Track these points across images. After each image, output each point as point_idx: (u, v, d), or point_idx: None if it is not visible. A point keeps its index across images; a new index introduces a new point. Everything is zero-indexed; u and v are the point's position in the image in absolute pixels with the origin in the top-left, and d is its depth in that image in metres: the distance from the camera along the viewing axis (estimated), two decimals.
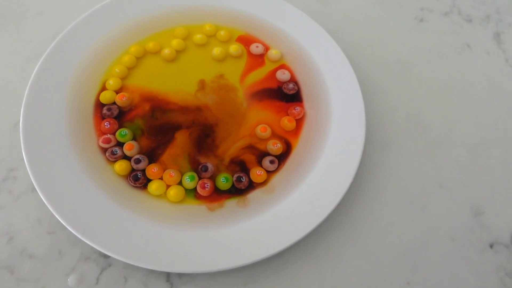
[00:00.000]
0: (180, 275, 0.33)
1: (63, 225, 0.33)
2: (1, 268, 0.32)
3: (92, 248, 0.33)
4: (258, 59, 0.43)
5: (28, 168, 0.33)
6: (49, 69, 0.38)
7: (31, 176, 0.33)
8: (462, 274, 0.35)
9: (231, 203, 0.35)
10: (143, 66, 0.41)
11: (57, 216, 0.32)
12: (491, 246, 0.37)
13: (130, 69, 0.40)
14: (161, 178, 0.35)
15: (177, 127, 0.38)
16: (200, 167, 0.36)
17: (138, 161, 0.35)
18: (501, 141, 0.42)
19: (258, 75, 0.42)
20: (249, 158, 0.37)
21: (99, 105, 0.38)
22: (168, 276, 0.33)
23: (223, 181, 0.35)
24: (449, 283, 0.35)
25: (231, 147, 0.37)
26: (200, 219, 0.34)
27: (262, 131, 0.38)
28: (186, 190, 0.35)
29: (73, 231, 0.32)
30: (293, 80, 0.42)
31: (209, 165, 0.36)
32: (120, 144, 0.36)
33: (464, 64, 0.47)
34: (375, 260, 0.35)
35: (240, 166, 0.36)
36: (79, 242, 0.33)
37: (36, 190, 0.34)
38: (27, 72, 0.39)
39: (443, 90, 0.45)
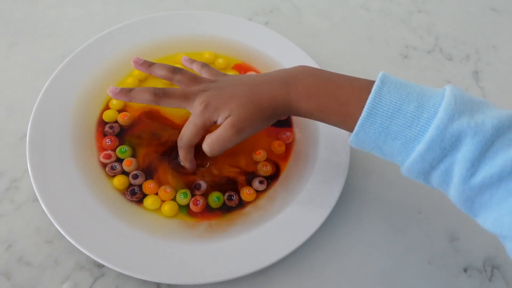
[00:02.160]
0: (169, 286, 0.35)
1: (60, 234, 0.35)
2: None
3: (87, 257, 0.35)
4: None
5: (31, 179, 0.35)
6: (57, 87, 0.41)
7: (34, 186, 0.35)
8: None
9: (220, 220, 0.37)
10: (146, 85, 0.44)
11: (56, 225, 0.34)
12: (465, 270, 0.39)
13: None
14: (156, 194, 0.37)
15: (173, 145, 0.40)
16: (194, 184, 0.38)
17: (135, 176, 0.37)
18: None
19: None
20: (239, 178, 0.39)
21: (102, 123, 0.41)
22: (158, 287, 0.35)
23: (215, 200, 0.37)
24: None
25: (223, 167, 0.40)
26: (191, 234, 0.36)
27: (257, 154, 0.40)
28: (179, 206, 0.37)
29: (70, 240, 0.33)
30: None
31: (202, 183, 0.38)
32: (119, 160, 0.39)
33: None
34: (356, 279, 0.37)
35: (230, 185, 0.39)
36: (75, 251, 0.35)
37: (37, 201, 0.36)
38: (36, 89, 0.42)
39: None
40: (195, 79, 0.36)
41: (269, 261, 0.35)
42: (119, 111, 0.42)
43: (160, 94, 0.35)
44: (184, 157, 0.37)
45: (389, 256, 0.39)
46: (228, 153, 0.41)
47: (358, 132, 0.29)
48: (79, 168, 0.37)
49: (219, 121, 0.33)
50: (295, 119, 0.44)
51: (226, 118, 0.33)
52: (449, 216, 0.42)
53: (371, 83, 0.30)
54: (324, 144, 0.42)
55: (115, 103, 0.42)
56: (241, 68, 0.47)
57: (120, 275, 0.35)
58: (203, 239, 0.35)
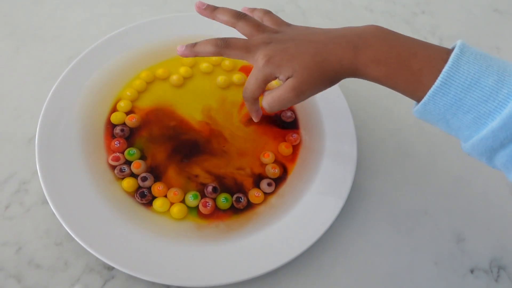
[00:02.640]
0: None
1: (70, 236, 0.35)
2: (9, 276, 0.34)
3: (96, 260, 0.35)
4: None
5: (41, 181, 0.36)
6: (65, 89, 0.41)
7: (43, 188, 0.35)
8: None
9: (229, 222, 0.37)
10: (152, 90, 0.44)
11: (66, 228, 0.34)
12: (471, 271, 0.40)
13: (140, 92, 0.44)
14: (165, 196, 0.37)
15: (182, 147, 0.40)
16: (210, 187, 0.38)
17: (144, 179, 0.38)
18: (483, 173, 0.46)
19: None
20: (247, 180, 0.39)
21: (110, 125, 0.41)
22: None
23: (223, 201, 0.38)
24: None
25: (231, 169, 0.40)
26: (200, 236, 0.36)
27: (266, 156, 0.41)
28: (189, 207, 0.37)
29: (80, 242, 0.34)
30: (290, 109, 0.45)
31: (217, 186, 0.38)
32: (128, 163, 0.39)
33: None
34: (363, 280, 0.38)
35: (238, 187, 0.39)
36: (85, 253, 0.35)
37: (46, 203, 0.36)
38: (43, 91, 0.42)
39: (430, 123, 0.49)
40: (258, 27, 0.34)
41: (278, 263, 0.35)
42: (127, 113, 0.42)
43: (221, 45, 0.34)
44: (250, 108, 0.37)
45: (396, 257, 0.39)
46: (237, 156, 0.41)
47: (428, 102, 0.28)
48: (88, 171, 0.37)
49: (280, 78, 0.32)
50: (302, 121, 0.44)
51: (288, 77, 0.32)
52: (456, 217, 0.42)
53: (448, 51, 0.28)
54: (330, 145, 0.42)
55: (122, 105, 0.42)
56: (248, 69, 0.47)
57: (129, 277, 0.35)
58: (212, 242, 0.36)
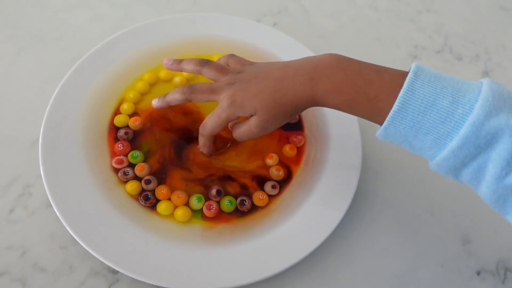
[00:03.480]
0: None
1: (74, 240, 0.35)
2: (14, 280, 0.34)
3: (101, 263, 0.35)
4: None
5: (45, 185, 0.36)
6: (68, 92, 0.41)
7: (47, 192, 0.35)
8: None
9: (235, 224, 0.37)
10: (155, 92, 0.44)
11: (70, 232, 0.34)
12: (478, 273, 0.39)
13: (143, 94, 0.43)
14: (169, 199, 0.37)
15: (186, 149, 0.40)
16: (214, 190, 0.38)
17: (148, 182, 0.37)
18: None
19: None
20: (251, 182, 0.39)
21: (113, 128, 0.41)
22: None
23: (228, 204, 0.37)
24: None
25: (235, 171, 0.40)
26: (204, 239, 0.36)
27: (270, 158, 0.40)
28: (193, 210, 0.37)
29: (85, 246, 0.33)
30: None
31: (221, 189, 0.38)
32: (131, 165, 0.38)
33: None
34: (369, 283, 0.37)
35: (243, 190, 0.39)
36: (89, 257, 0.35)
37: (50, 206, 0.36)
38: (46, 94, 0.42)
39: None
40: (222, 70, 0.36)
41: (282, 267, 0.35)
42: (130, 115, 0.42)
43: (187, 92, 0.36)
44: (203, 144, 0.38)
45: (402, 259, 0.39)
46: (240, 158, 0.41)
47: (388, 127, 0.29)
48: (92, 174, 0.37)
49: (243, 116, 0.34)
50: (306, 122, 0.44)
51: (251, 115, 0.34)
52: (462, 218, 0.42)
53: (403, 75, 0.29)
54: (335, 147, 0.42)
55: (126, 107, 0.42)
56: None
57: (134, 281, 0.35)
58: (217, 245, 0.35)
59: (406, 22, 0.58)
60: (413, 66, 0.29)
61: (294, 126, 0.43)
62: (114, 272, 0.35)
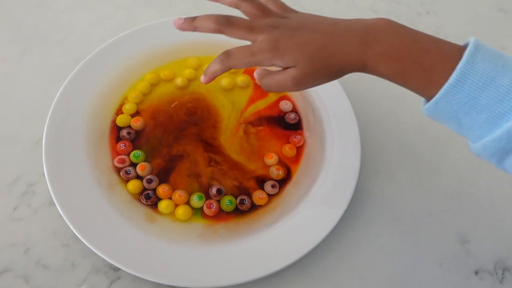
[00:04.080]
0: None
1: (77, 238, 0.35)
2: (17, 277, 0.35)
3: (103, 261, 0.36)
4: (262, 90, 0.46)
5: (48, 183, 0.36)
6: (71, 92, 0.42)
7: (50, 190, 0.36)
8: None
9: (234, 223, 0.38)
10: (157, 92, 0.44)
11: (72, 229, 0.35)
12: (476, 273, 0.39)
13: (145, 95, 0.44)
14: (170, 198, 0.38)
15: (187, 148, 0.41)
16: (214, 189, 0.38)
17: (150, 181, 0.38)
18: (487, 174, 0.45)
19: (262, 104, 0.45)
20: (251, 182, 0.40)
21: (115, 127, 0.41)
22: None
23: (228, 204, 0.38)
24: None
25: (235, 171, 0.40)
26: (205, 237, 0.36)
27: (269, 158, 0.41)
28: (193, 209, 0.38)
29: (87, 244, 0.34)
30: (294, 110, 0.45)
31: (222, 188, 0.38)
32: (133, 165, 0.39)
33: None
34: (367, 281, 0.38)
35: (243, 189, 0.39)
36: (91, 255, 0.36)
37: (53, 204, 0.37)
38: (50, 94, 0.42)
39: (434, 124, 0.49)
40: (264, 10, 0.33)
41: (281, 265, 0.35)
42: (132, 115, 0.42)
43: (223, 23, 0.32)
44: (213, 72, 0.33)
45: (400, 259, 0.39)
46: (241, 158, 0.41)
47: (439, 100, 0.27)
48: (94, 173, 0.38)
49: (279, 65, 0.31)
50: (305, 123, 0.44)
51: (290, 67, 0.30)
52: (460, 218, 0.42)
53: (461, 49, 0.27)
54: (334, 146, 0.43)
55: (128, 107, 0.42)
56: (252, 72, 0.47)
57: (135, 278, 0.35)
58: (216, 243, 0.36)
59: (406, 24, 0.58)
60: (472, 39, 0.27)
61: (294, 126, 0.44)
62: (116, 269, 0.36)
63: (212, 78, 0.34)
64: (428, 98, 0.28)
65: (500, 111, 0.25)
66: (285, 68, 0.31)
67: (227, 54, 0.32)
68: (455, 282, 0.39)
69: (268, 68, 0.32)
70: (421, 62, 0.28)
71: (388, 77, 0.30)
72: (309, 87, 0.32)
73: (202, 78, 0.34)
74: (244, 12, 0.34)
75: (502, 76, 0.25)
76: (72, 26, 0.51)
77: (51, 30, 0.51)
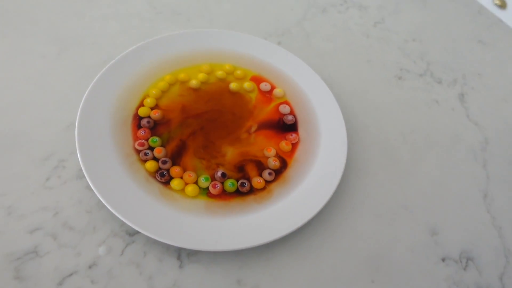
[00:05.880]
0: (188, 255, 0.41)
1: (99, 206, 0.41)
2: (47, 235, 0.40)
3: (120, 226, 0.41)
4: (266, 95, 0.53)
5: (79, 158, 0.42)
6: (100, 87, 0.49)
7: (81, 164, 0.42)
8: (417, 280, 0.43)
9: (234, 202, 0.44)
10: (173, 91, 0.51)
11: (98, 196, 0.40)
12: (443, 260, 0.45)
13: (164, 92, 0.51)
14: (181, 177, 0.44)
15: (197, 136, 0.47)
16: (219, 172, 0.45)
17: (164, 162, 0.44)
18: (458, 177, 0.52)
19: (266, 108, 0.52)
20: (251, 168, 0.46)
21: (137, 117, 0.48)
22: (179, 255, 0.41)
23: (230, 185, 0.44)
24: (406, 286, 0.43)
25: (239, 159, 0.47)
26: (209, 210, 0.42)
27: (268, 151, 0.47)
28: (200, 188, 0.44)
29: (109, 208, 0.40)
30: (292, 113, 0.52)
31: (226, 172, 0.45)
32: (151, 148, 0.46)
33: (432, 115, 0.58)
34: (347, 261, 0.43)
35: (243, 174, 0.46)
36: (111, 220, 0.41)
37: (80, 178, 0.43)
38: (82, 89, 0.49)
39: (413, 134, 0.55)
40: None
41: (272, 238, 0.41)
42: (152, 108, 0.49)
43: None
44: None
45: (377, 244, 0.45)
46: (243, 150, 0.48)
47: None
48: (118, 153, 0.44)
49: None
50: (301, 124, 0.51)
51: None
52: (432, 213, 0.48)
53: None
54: (325, 146, 0.49)
55: (148, 101, 0.49)
56: (257, 79, 0.55)
57: (147, 242, 0.41)
58: (218, 216, 0.42)
59: (394, 49, 0.67)
60: None
61: (291, 127, 0.51)
62: (131, 234, 0.41)
63: None
64: None
65: None
66: None
67: None
68: (425, 266, 0.44)
69: None
70: None
71: None
72: None
73: None
74: None
75: None
76: (103, 33, 0.59)
77: (84, 35, 0.58)
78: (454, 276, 0.44)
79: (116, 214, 0.40)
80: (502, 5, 0.76)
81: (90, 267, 0.39)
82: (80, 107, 0.47)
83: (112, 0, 0.64)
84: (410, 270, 0.44)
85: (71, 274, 0.39)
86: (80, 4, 0.62)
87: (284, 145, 0.48)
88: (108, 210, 0.42)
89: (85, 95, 0.48)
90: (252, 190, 0.45)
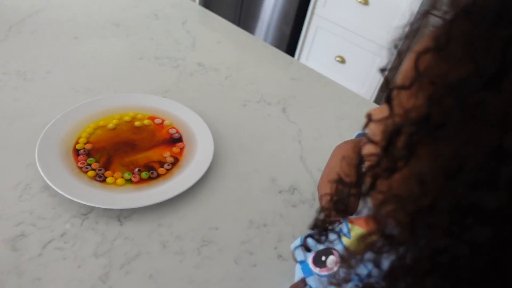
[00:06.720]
0: (125, 217, 0.67)
1: (60, 202, 0.66)
2: (28, 225, 0.63)
3: (78, 210, 0.66)
4: (159, 126, 0.84)
5: (42, 175, 0.67)
6: (50, 132, 0.75)
7: (45, 178, 0.67)
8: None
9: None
10: (97, 132, 0.80)
11: (60, 192, 0.65)
12: (280, 193, 0.78)
13: (91, 134, 0.79)
14: (112, 176, 0.71)
15: (118, 153, 0.75)
16: (136, 169, 0.73)
17: (100, 170, 0.71)
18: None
19: (159, 133, 0.83)
20: (156, 164, 0.75)
21: (75, 149, 0.75)
22: (118, 217, 0.67)
23: (144, 175, 0.72)
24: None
25: (147, 161, 0.76)
26: (134, 188, 0.70)
27: (165, 153, 0.78)
28: (125, 180, 0.71)
29: (68, 196, 0.65)
30: (178, 132, 0.83)
31: (141, 169, 0.73)
32: (89, 165, 0.72)
33: (266, 122, 0.94)
34: (223, 200, 0.73)
35: (152, 167, 0.74)
36: (70, 209, 0.66)
37: (42, 192, 0.68)
38: (36, 136, 0.75)
39: (252, 134, 0.91)
40: None
41: (175, 193, 0.69)
42: (85, 143, 0.76)
43: None
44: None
45: (240, 191, 0.76)
46: (149, 156, 0.77)
47: None
48: (67, 169, 0.70)
49: None
50: (185, 139, 0.83)
51: None
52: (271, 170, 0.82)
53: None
54: (200, 148, 0.81)
55: (81, 140, 0.76)
56: (152, 118, 0.86)
57: (97, 215, 0.66)
58: (139, 190, 0.69)
59: (238, 90, 1.04)
60: None
61: (178, 140, 0.82)
62: (85, 214, 0.66)
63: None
64: None
65: None
66: None
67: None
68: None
69: None
70: None
71: None
72: None
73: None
74: None
75: None
76: (39, 106, 0.85)
77: (25, 110, 0.84)
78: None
79: (74, 199, 0.65)
80: None
81: (62, 235, 0.63)
82: (36, 147, 0.72)
83: (43, 85, 0.91)
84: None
85: (50, 241, 0.62)
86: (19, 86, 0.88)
87: (175, 149, 0.79)
88: (68, 202, 0.67)
89: (38, 140, 0.73)
90: (158, 176, 0.74)
